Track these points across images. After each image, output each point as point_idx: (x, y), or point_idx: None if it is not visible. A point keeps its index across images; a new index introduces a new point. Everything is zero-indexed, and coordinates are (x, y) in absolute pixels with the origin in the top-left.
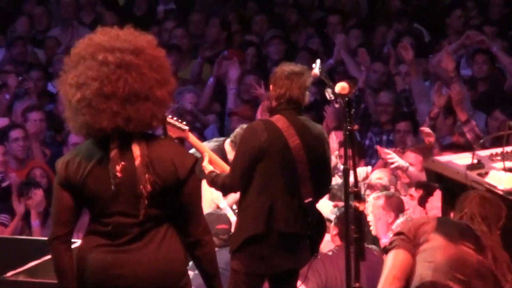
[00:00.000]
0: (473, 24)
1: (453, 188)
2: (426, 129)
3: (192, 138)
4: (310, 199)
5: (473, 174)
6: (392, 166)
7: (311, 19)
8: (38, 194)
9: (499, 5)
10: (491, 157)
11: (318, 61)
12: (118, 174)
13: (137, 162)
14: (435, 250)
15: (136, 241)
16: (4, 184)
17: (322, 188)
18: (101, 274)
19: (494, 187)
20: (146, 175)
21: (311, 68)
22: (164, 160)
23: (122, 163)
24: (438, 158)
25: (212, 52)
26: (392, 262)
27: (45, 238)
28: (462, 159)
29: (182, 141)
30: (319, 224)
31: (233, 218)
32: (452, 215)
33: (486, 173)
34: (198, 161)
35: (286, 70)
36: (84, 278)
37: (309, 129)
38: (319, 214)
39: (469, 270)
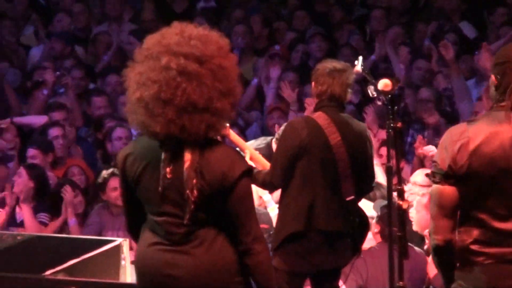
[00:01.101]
0: None
1: None
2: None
3: (233, 135)
4: (351, 197)
5: None
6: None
7: (353, 16)
8: (68, 191)
9: None
10: None
11: (360, 58)
12: (168, 176)
13: (186, 165)
14: None
15: (184, 242)
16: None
17: (364, 186)
18: (155, 273)
19: None
20: (194, 181)
21: (353, 65)
22: (214, 166)
23: (172, 166)
24: None
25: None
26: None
27: (84, 237)
28: None
29: (223, 137)
30: (362, 222)
31: (275, 212)
32: None
33: None
34: (250, 169)
35: (328, 67)
36: (141, 276)
37: (350, 126)
38: (361, 213)
39: None
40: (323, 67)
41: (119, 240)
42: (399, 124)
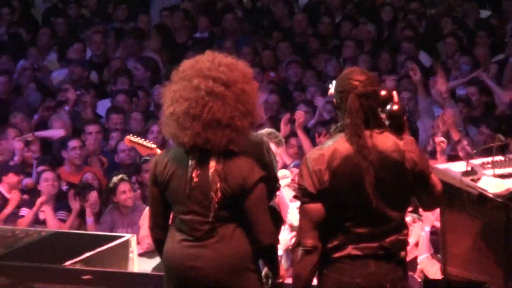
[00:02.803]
0: (464, 48)
1: (450, 192)
2: (440, 138)
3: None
4: None
5: (467, 180)
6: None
7: (328, 46)
8: (93, 196)
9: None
10: (483, 165)
11: (334, 82)
12: (194, 179)
13: (211, 171)
14: None
15: (208, 237)
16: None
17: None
18: (181, 264)
19: (485, 191)
20: (218, 184)
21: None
22: (235, 173)
23: (198, 171)
24: (437, 165)
25: None
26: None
27: (98, 233)
28: (458, 167)
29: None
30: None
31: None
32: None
33: (478, 179)
34: (265, 176)
35: None
36: (169, 268)
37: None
38: None
39: None
40: None
41: (127, 236)
42: None
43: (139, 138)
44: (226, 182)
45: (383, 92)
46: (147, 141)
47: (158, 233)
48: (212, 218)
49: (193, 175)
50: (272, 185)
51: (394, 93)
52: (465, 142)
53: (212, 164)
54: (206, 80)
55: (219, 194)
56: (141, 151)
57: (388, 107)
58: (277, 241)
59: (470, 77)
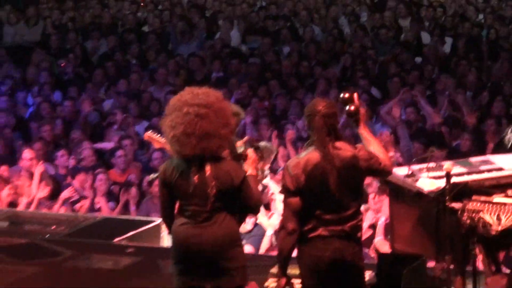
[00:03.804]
0: (408, 83)
1: (396, 189)
2: None
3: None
4: None
5: (408, 180)
6: None
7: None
8: (134, 191)
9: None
10: (420, 170)
11: None
12: (195, 181)
13: (207, 174)
14: None
15: (206, 221)
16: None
17: None
18: (185, 241)
19: (422, 189)
20: (213, 183)
21: None
22: (225, 173)
23: (198, 175)
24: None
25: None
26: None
27: (139, 218)
28: (402, 171)
29: (163, 150)
30: None
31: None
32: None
33: (417, 180)
34: (246, 175)
35: None
36: (176, 244)
37: None
38: None
39: None
40: None
41: (160, 220)
42: None
43: (155, 134)
44: (219, 181)
45: (346, 95)
46: (160, 137)
47: (168, 220)
48: (209, 208)
49: (195, 178)
50: None
51: (355, 95)
52: (397, 155)
53: (208, 168)
54: (192, 107)
55: (214, 190)
56: (155, 145)
57: (347, 107)
58: (260, 202)
59: (401, 94)
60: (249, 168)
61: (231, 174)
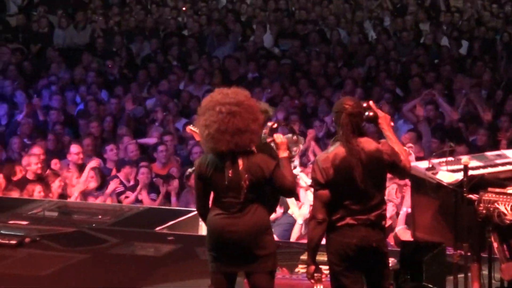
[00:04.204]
0: (427, 83)
1: (417, 181)
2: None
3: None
4: None
5: (429, 173)
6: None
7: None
8: (175, 183)
9: (447, 70)
10: (440, 164)
11: None
12: (230, 175)
13: (240, 167)
14: None
15: (239, 212)
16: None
17: None
18: (220, 230)
19: (441, 181)
20: (246, 176)
21: None
22: (256, 166)
23: (232, 169)
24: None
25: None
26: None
27: (178, 208)
28: (423, 164)
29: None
30: None
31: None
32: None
33: (437, 173)
34: (278, 163)
35: None
36: (211, 233)
37: None
38: None
39: None
40: None
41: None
42: None
43: (196, 128)
44: (251, 173)
45: (364, 104)
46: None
47: (203, 211)
48: (242, 199)
49: (229, 172)
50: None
51: (371, 102)
52: (416, 149)
53: (240, 162)
54: (224, 106)
55: (247, 182)
56: (196, 137)
57: (366, 113)
58: (294, 185)
59: (423, 95)
60: (281, 152)
61: (262, 166)
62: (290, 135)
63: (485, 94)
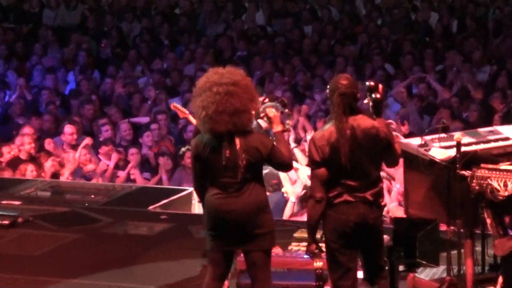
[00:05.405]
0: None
1: (410, 158)
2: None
3: (191, 117)
4: None
5: (422, 150)
6: None
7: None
8: (165, 160)
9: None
10: (432, 140)
11: None
12: (227, 154)
13: (238, 147)
14: None
15: (237, 191)
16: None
17: None
18: (218, 210)
19: (434, 157)
20: (243, 155)
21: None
22: (253, 145)
23: (229, 149)
24: (401, 140)
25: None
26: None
27: (171, 187)
28: (415, 141)
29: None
30: None
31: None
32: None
33: (429, 149)
34: (274, 144)
35: None
36: (209, 212)
37: None
38: None
39: None
40: None
41: (191, 189)
42: None
43: (180, 105)
44: (248, 153)
45: (371, 83)
46: (185, 109)
47: (201, 190)
48: (240, 179)
49: (226, 152)
50: None
51: (380, 85)
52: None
53: (237, 142)
54: (221, 86)
55: (244, 162)
56: (180, 115)
57: (373, 95)
58: (291, 159)
59: (415, 76)
60: (274, 126)
61: (258, 146)
62: (278, 104)
63: (476, 71)
